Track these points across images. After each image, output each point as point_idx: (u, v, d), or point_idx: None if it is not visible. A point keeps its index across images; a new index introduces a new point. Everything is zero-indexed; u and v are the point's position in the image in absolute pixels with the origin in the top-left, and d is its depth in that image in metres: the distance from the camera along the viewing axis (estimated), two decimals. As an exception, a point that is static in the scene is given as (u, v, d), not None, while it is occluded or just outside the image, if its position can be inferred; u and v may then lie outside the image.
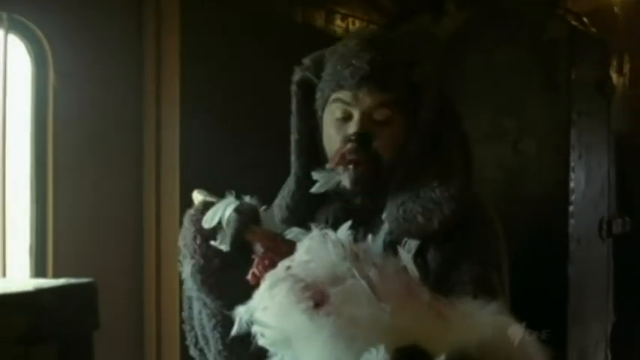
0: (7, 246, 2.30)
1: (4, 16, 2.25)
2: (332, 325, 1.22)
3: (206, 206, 1.55)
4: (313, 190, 1.67)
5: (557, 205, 2.90)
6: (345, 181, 1.62)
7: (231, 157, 2.75)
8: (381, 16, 3.45)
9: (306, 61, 1.72)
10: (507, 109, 2.96)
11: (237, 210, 1.50)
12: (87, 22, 2.48)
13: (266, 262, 1.43)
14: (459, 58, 3.05)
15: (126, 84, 2.63)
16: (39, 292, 1.25)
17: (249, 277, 1.43)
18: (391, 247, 1.62)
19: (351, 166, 1.60)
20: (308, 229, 1.67)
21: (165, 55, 2.65)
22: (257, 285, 1.36)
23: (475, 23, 3.09)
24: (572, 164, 2.89)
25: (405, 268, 1.47)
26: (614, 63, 3.43)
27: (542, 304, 2.59)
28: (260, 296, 1.31)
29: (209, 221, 1.51)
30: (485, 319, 1.32)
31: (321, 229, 1.45)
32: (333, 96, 1.64)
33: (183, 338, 1.72)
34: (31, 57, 2.38)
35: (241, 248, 1.51)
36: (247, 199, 1.58)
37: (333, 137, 1.65)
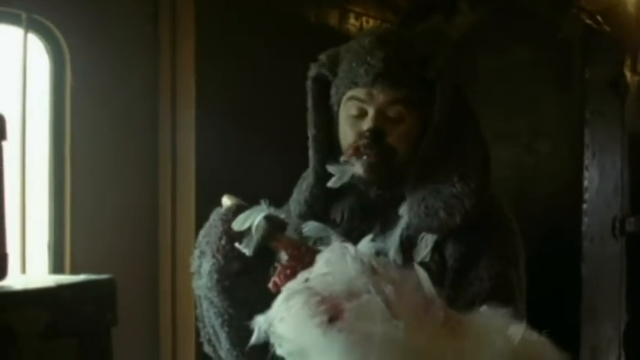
0: (26, 243, 2.32)
1: (24, 15, 2.28)
2: (344, 341, 1.23)
3: (239, 209, 1.58)
4: (330, 183, 1.69)
5: (570, 203, 2.90)
6: (359, 169, 1.63)
7: (246, 157, 2.77)
8: (395, 14, 3.46)
9: (322, 57, 1.74)
10: (521, 109, 2.96)
11: (267, 218, 1.52)
12: (104, 22, 2.50)
13: (288, 271, 1.44)
14: (472, 57, 3.05)
15: (142, 83, 2.65)
16: (60, 288, 1.27)
17: (270, 285, 1.44)
18: (408, 241, 1.64)
19: (364, 157, 1.62)
20: (324, 222, 1.70)
21: (180, 56, 2.67)
22: (277, 293, 1.37)
23: (488, 22, 3.09)
24: (585, 163, 2.89)
25: (422, 285, 1.48)
26: (628, 62, 3.42)
27: (555, 302, 2.60)
28: (277, 307, 1.32)
29: (240, 224, 1.54)
30: (499, 337, 1.32)
31: (342, 241, 1.47)
32: (348, 94, 1.66)
33: (198, 334, 1.74)
34: (49, 56, 2.40)
35: (263, 256, 1.53)
36: (273, 211, 1.61)
37: (348, 133, 1.67)
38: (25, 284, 1.30)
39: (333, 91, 1.71)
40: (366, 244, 1.59)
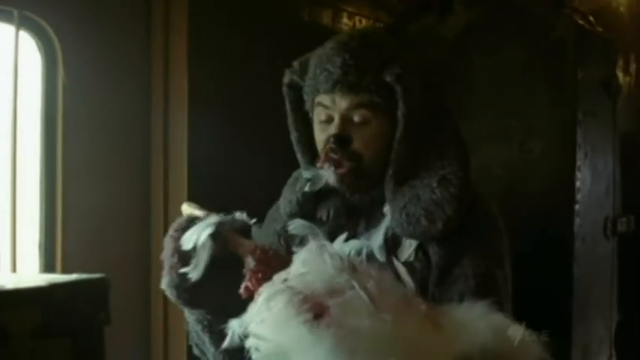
0: (17, 242, 2.31)
1: (15, 12, 2.27)
2: (333, 337, 1.21)
3: (189, 223, 1.55)
4: (306, 188, 1.71)
5: (562, 203, 2.91)
6: (330, 179, 1.66)
7: (238, 156, 2.77)
8: (388, 14, 3.46)
9: (295, 63, 1.76)
10: (513, 108, 2.96)
11: (213, 235, 1.49)
12: (96, 19, 2.50)
13: (259, 275, 1.42)
14: (466, 57, 3.06)
15: (134, 81, 2.65)
16: (52, 287, 1.27)
17: (241, 290, 1.42)
18: (392, 240, 1.65)
19: (332, 167, 1.64)
20: (311, 221, 1.71)
21: (173, 54, 2.67)
22: (249, 298, 1.36)
23: (482, 22, 3.09)
24: (577, 163, 2.90)
25: (400, 280, 1.49)
26: (621, 62, 3.43)
27: (547, 303, 2.61)
28: (256, 309, 1.30)
29: (186, 243, 1.50)
30: (483, 324, 1.33)
31: (318, 240, 1.47)
32: (316, 100, 1.69)
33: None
34: (41, 53, 2.39)
35: (226, 261, 1.50)
36: (238, 215, 1.59)
37: (319, 138, 1.70)
38: (17, 283, 1.30)
39: (305, 97, 1.73)
40: (339, 244, 1.60)
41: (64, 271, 2.35)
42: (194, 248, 1.50)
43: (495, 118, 2.96)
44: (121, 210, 2.62)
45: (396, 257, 1.63)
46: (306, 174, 1.72)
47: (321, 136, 1.69)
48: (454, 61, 3.00)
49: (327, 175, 1.66)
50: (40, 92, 2.41)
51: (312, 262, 1.37)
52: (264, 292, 1.32)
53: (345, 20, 3.31)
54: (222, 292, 1.52)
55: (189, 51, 2.64)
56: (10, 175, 2.32)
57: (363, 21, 3.37)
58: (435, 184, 1.62)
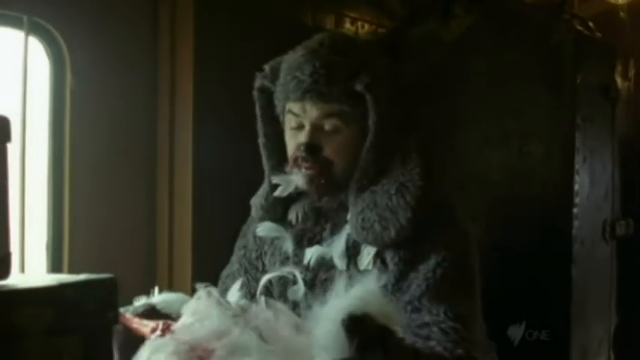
0: (25, 243, 2.35)
1: (25, 18, 2.30)
2: None
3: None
4: (276, 193, 1.74)
5: (561, 207, 2.92)
6: (299, 181, 1.68)
7: (243, 158, 2.79)
8: (390, 19, 3.49)
9: (266, 67, 1.78)
10: (512, 113, 2.99)
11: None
12: (104, 25, 2.53)
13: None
14: (465, 61, 3.08)
15: (141, 86, 2.68)
16: (63, 286, 1.30)
17: None
18: (354, 247, 1.67)
19: (303, 169, 1.66)
20: (281, 223, 1.74)
21: (179, 58, 2.70)
22: None
23: (482, 27, 3.12)
24: (576, 167, 2.92)
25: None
26: (619, 68, 3.44)
27: (546, 305, 2.63)
28: None
29: None
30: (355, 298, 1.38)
31: (205, 286, 1.49)
32: (287, 107, 1.70)
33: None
34: (49, 59, 2.42)
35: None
36: (136, 303, 1.66)
37: (289, 145, 1.72)
38: (28, 283, 1.33)
39: (275, 102, 1.75)
40: (234, 293, 1.62)
41: (71, 271, 2.39)
42: None
43: (494, 121, 2.99)
44: (127, 211, 2.66)
45: (356, 265, 1.65)
46: (275, 179, 1.74)
47: (292, 142, 1.71)
48: (454, 65, 3.03)
49: (297, 178, 1.68)
50: (49, 96, 2.44)
51: (202, 310, 1.39)
52: (146, 348, 1.33)
53: (347, 25, 3.34)
54: None
55: (195, 55, 2.68)
56: (19, 178, 2.35)
57: (366, 26, 3.40)
58: (393, 191, 1.64)
